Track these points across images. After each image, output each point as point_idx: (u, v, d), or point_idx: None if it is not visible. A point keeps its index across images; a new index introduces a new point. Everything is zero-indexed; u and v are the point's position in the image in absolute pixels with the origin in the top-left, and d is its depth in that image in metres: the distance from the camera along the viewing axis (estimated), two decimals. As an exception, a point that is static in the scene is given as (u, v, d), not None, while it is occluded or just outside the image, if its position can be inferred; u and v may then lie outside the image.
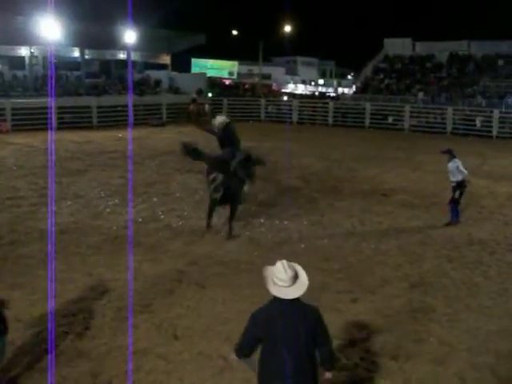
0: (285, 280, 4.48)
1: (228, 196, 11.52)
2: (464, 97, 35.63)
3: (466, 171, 12.40)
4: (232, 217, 11.74)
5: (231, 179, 11.44)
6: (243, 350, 4.67)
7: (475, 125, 30.90)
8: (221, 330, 7.35)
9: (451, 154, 12.58)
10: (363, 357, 6.83)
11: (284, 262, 4.59)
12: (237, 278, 9.18)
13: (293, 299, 4.49)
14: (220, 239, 11.29)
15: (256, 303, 8.18)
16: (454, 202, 12.65)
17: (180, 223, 12.39)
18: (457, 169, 12.35)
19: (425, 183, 17.10)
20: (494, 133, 30.12)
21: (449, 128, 31.52)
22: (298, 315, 4.49)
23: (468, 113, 32.15)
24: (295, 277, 4.54)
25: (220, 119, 12.51)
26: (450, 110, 31.92)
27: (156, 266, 9.75)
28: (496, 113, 30.24)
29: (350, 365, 6.68)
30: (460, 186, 12.45)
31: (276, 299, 4.53)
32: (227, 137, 12.16)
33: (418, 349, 7.05)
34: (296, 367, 4.41)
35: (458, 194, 12.51)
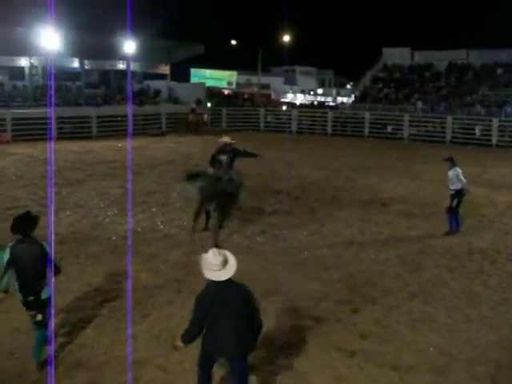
0: (216, 265, 5.47)
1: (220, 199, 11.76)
2: (463, 106, 35.68)
3: (465, 180, 12.40)
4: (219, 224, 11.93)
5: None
6: (189, 336, 5.63)
7: (474, 133, 30.92)
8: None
9: (452, 162, 12.58)
10: (363, 367, 6.81)
11: (214, 249, 5.66)
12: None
13: (225, 280, 5.47)
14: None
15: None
16: (452, 211, 12.65)
17: (180, 233, 12.38)
18: (457, 177, 12.35)
19: (424, 192, 17.09)
20: (494, 141, 30.15)
21: (448, 137, 31.54)
22: (231, 292, 5.48)
23: (467, 122, 32.16)
24: (225, 262, 5.52)
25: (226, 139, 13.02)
26: (449, 118, 31.95)
27: (155, 276, 9.73)
28: (495, 121, 30.28)
29: (350, 375, 6.66)
30: (458, 194, 12.45)
31: (212, 281, 5.51)
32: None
33: (418, 359, 7.04)
34: (234, 334, 5.44)
35: (455, 202, 12.51)
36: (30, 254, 6.46)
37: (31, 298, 6.56)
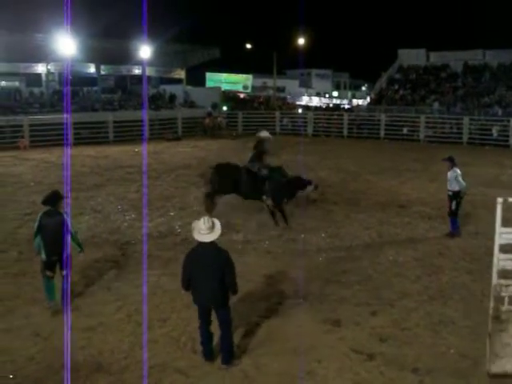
0: (203, 229, 6.71)
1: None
2: (480, 106, 35.45)
3: (464, 183, 12.27)
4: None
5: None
6: (184, 283, 6.89)
7: (492, 134, 30.67)
8: (239, 343, 7.36)
9: (452, 163, 12.46)
10: (382, 371, 6.78)
11: (205, 217, 6.93)
12: (254, 291, 9.18)
13: (210, 243, 6.72)
14: (237, 252, 11.28)
15: (274, 317, 8.22)
16: (453, 214, 12.53)
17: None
18: (455, 178, 12.25)
19: (442, 194, 16.82)
20: (511, 142, 29.89)
21: (465, 138, 31.30)
22: (212, 254, 6.74)
23: (484, 122, 31.93)
24: (212, 228, 6.73)
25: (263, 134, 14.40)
26: (465, 119, 31.70)
27: (174, 280, 9.71)
28: (513, 122, 30.00)
29: (370, 379, 6.64)
30: (456, 196, 12.34)
31: (199, 243, 6.76)
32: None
33: (439, 362, 7.00)
34: (211, 288, 6.66)
35: (454, 204, 12.40)
36: (54, 222, 8.19)
37: (55, 257, 8.27)
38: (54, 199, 8.43)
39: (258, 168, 13.34)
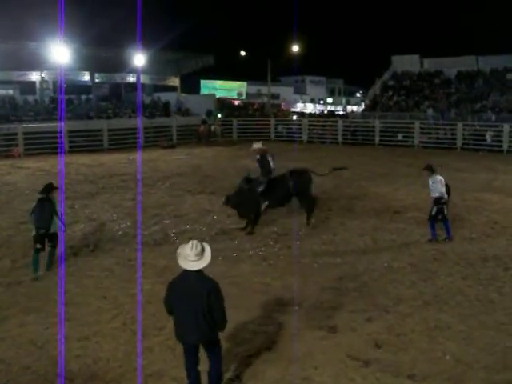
0: (191, 256, 5.93)
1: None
2: (474, 112, 35.59)
3: (443, 189, 12.30)
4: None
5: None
6: (167, 310, 6.18)
7: (485, 140, 30.79)
8: (236, 352, 7.35)
9: (431, 171, 12.52)
10: (378, 377, 6.78)
11: (194, 241, 6.08)
12: (250, 299, 9.17)
13: (197, 271, 5.94)
14: (233, 260, 11.30)
15: (270, 324, 8.21)
16: (432, 219, 12.56)
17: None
18: (432, 185, 12.33)
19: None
20: (505, 147, 29.97)
21: (459, 143, 31.41)
22: (199, 285, 5.90)
23: (478, 128, 32.06)
24: (200, 254, 5.98)
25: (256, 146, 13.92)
26: (459, 125, 31.82)
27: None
28: (506, 127, 30.09)
29: (366, 385, 6.64)
30: (436, 203, 12.38)
31: (185, 271, 5.98)
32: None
33: (435, 367, 7.00)
34: (193, 320, 5.85)
35: (434, 210, 12.43)
36: (42, 205, 10.49)
37: (42, 230, 10.39)
38: (47, 189, 10.85)
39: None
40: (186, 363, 6.26)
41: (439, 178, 12.40)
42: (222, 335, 6.42)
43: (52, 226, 10.47)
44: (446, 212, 12.47)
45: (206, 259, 6.02)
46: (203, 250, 6.06)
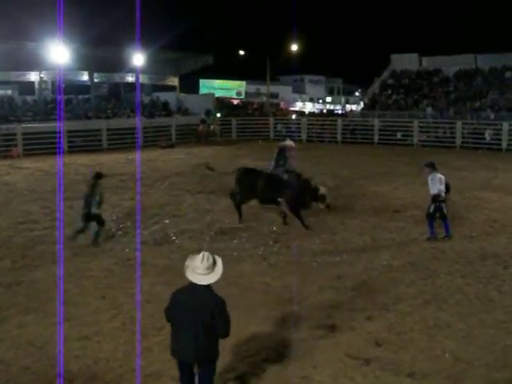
0: (201, 268, 5.42)
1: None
2: (472, 110, 35.59)
3: (441, 187, 12.30)
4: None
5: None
6: (168, 319, 5.66)
7: (485, 138, 30.80)
8: (236, 351, 7.33)
9: (432, 168, 12.52)
10: (378, 375, 6.78)
11: (206, 253, 5.55)
12: (250, 299, 9.16)
13: (205, 286, 5.43)
14: (233, 259, 11.28)
15: (270, 324, 8.21)
16: (430, 217, 12.56)
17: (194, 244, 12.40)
18: (431, 182, 12.32)
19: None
20: (504, 145, 30.01)
21: (458, 142, 31.45)
22: (204, 301, 5.38)
23: (477, 126, 32.08)
24: (211, 267, 5.46)
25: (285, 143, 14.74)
26: (458, 123, 31.86)
27: (169, 289, 9.67)
28: (505, 125, 30.14)
29: (365, 383, 6.63)
30: (434, 200, 12.38)
31: (192, 284, 5.47)
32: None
33: (434, 366, 6.99)
34: (192, 337, 5.37)
35: (432, 208, 12.43)
36: (87, 192, 12.20)
37: (85, 210, 12.00)
38: (96, 176, 12.43)
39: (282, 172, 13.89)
40: (181, 379, 5.77)
41: (439, 176, 12.39)
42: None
43: (93, 208, 11.99)
44: (445, 210, 12.47)
45: (216, 273, 5.50)
46: (215, 263, 5.53)
